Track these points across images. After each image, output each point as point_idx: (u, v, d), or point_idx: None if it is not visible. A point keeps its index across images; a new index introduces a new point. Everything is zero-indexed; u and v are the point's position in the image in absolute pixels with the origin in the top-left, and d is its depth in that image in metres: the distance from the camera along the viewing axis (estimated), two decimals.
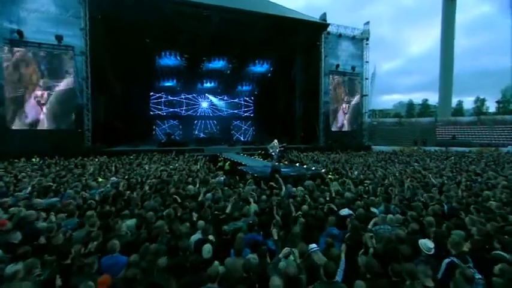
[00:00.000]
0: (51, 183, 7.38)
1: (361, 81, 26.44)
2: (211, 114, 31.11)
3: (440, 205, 5.34)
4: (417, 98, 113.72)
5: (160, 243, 3.95)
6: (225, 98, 31.61)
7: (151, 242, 3.91)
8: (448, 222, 4.29)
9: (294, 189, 7.79)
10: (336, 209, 5.46)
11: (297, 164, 14.03)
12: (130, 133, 23.04)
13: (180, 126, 29.93)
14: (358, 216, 5.10)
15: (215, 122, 31.05)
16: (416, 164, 13.08)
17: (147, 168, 11.22)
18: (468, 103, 67.67)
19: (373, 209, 5.67)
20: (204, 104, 30.94)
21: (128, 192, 6.90)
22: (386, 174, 9.90)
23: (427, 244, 3.44)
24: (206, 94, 30.66)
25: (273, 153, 12.10)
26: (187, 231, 4.49)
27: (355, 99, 26.57)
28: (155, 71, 25.26)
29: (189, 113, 30.31)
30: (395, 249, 3.46)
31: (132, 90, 24.40)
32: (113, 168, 11.31)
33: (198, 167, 11.65)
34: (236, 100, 32.08)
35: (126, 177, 9.44)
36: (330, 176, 10.12)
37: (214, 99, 31.13)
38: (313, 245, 3.60)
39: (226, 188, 7.73)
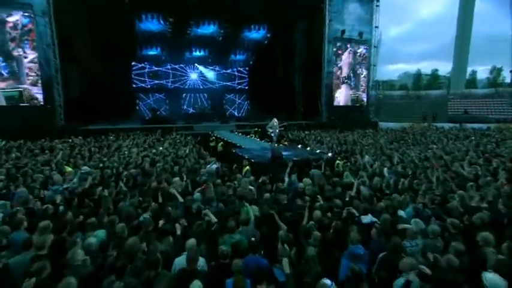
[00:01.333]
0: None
1: (370, 49, 25.07)
2: (201, 87, 29.97)
3: (491, 211, 4.53)
4: (425, 67, 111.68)
5: (132, 273, 3.13)
6: (217, 68, 30.34)
7: (118, 273, 3.08)
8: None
9: (301, 184, 6.99)
10: (356, 214, 4.68)
11: (299, 146, 13.25)
12: (109, 109, 21.77)
13: (167, 101, 28.73)
14: (383, 224, 4.30)
15: (206, 95, 29.99)
16: (434, 146, 12.36)
17: (126, 153, 10.26)
18: (482, 73, 66.13)
19: (400, 212, 4.91)
20: (193, 76, 29.68)
21: (100, 188, 6.01)
22: (405, 160, 9.13)
23: (497, 284, 2.62)
24: (195, 64, 29.27)
25: (273, 134, 11.25)
26: (169, 250, 3.70)
27: (362, 70, 25.41)
28: (136, 37, 23.50)
29: (176, 85, 29.07)
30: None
31: (110, 60, 22.77)
32: (86, 153, 10.34)
33: (187, 150, 10.74)
34: (229, 71, 30.82)
35: (100, 165, 8.53)
36: (338, 162, 9.34)
37: (205, 70, 29.87)
38: (327, 282, 2.76)
39: (219, 181, 6.87)
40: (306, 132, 18.42)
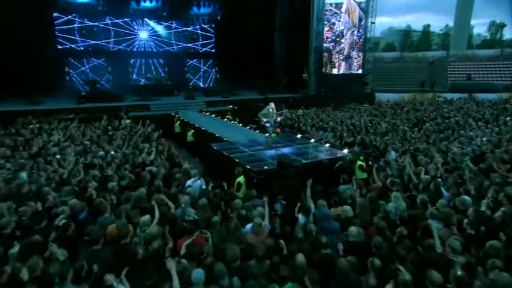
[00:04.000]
0: None
1: (367, 1, 23.83)
2: (154, 50, 27.53)
3: None
4: (413, 22, 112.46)
5: None
6: (174, 25, 27.81)
7: None
8: None
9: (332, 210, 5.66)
10: None
11: (299, 136, 11.89)
12: (27, 81, 18.58)
13: (109, 68, 25.75)
14: None
15: (161, 61, 27.68)
16: (462, 131, 11.57)
17: (55, 164, 7.96)
18: (478, 28, 66.66)
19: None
20: (143, 34, 26.94)
21: None
22: (451, 161, 8.04)
23: None
24: (145, 19, 26.47)
25: (268, 124, 9.82)
26: None
27: (358, 30, 24.29)
28: None
29: (120, 47, 26.17)
30: None
31: (20, 10, 19.10)
32: None
33: (152, 154, 8.74)
34: (190, 28, 28.42)
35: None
36: (360, 162, 8.09)
37: (158, 27, 27.28)
38: None
39: (216, 219, 5.15)
40: (298, 111, 17.04)
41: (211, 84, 29.05)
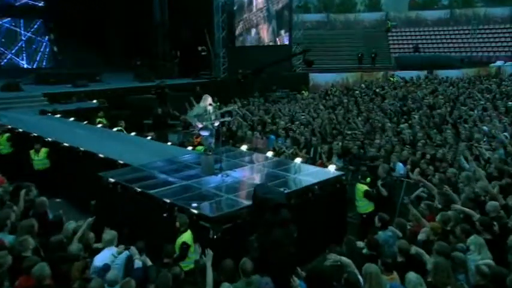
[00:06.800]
0: None
1: None
2: None
3: None
4: None
5: None
6: None
7: None
8: None
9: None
10: None
11: (244, 148, 11.42)
12: None
13: None
14: None
15: None
16: (477, 133, 11.92)
17: None
18: None
19: None
20: None
21: None
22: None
23: None
24: None
25: (206, 133, 9.09)
26: None
27: None
28: None
29: None
30: None
31: None
32: None
33: None
34: None
35: None
36: (363, 186, 8.45)
37: None
38: None
39: None
40: (227, 106, 16.46)
41: (44, 64, 27.41)
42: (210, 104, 9.22)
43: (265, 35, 26.32)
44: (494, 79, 23.84)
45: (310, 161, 10.92)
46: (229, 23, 23.36)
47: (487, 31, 34.91)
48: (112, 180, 8.69)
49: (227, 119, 11.48)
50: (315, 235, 7.67)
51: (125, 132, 14.46)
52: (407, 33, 37.08)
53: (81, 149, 11.04)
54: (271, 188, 7.37)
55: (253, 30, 25.35)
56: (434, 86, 21.51)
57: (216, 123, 9.18)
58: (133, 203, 8.19)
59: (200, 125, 9.01)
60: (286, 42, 27.79)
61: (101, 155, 10.43)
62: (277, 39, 27.27)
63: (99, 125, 15.01)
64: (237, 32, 24.51)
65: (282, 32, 27.55)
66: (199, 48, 23.45)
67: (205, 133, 9.18)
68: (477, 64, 30.44)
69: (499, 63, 29.88)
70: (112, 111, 17.54)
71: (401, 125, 13.11)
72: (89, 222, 6.66)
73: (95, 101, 18.56)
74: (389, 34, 37.53)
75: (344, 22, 40.87)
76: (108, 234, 6.44)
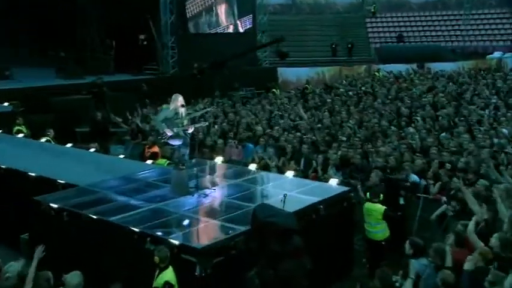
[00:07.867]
0: None
1: None
2: None
3: None
4: None
5: None
6: None
7: None
8: None
9: None
10: None
11: (218, 160, 10.93)
12: None
13: None
14: None
15: None
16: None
17: None
18: None
19: None
20: None
21: None
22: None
23: None
24: None
25: (178, 141, 8.39)
26: None
27: None
28: None
29: None
30: None
31: None
32: None
33: None
34: None
35: None
36: (376, 206, 8.01)
37: None
38: None
39: None
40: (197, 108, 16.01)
41: None
42: (182, 105, 8.26)
43: (223, 17, 25.00)
44: (499, 73, 23.39)
45: (302, 174, 10.32)
46: (178, 4, 21.67)
47: (482, 16, 33.78)
48: (55, 205, 7.69)
49: (203, 123, 10.21)
50: (320, 265, 6.70)
51: (53, 142, 13.33)
52: (389, 20, 35.83)
53: (2, 166, 10.07)
54: (275, 210, 6.76)
55: (210, 13, 24.08)
56: (431, 82, 20.90)
57: (190, 130, 8.46)
58: (87, 233, 7.21)
59: (170, 133, 8.09)
60: (249, 26, 26.50)
61: (32, 174, 9.42)
62: (239, 22, 25.97)
63: (20, 135, 13.60)
64: (188, 15, 22.78)
65: (244, 17, 26.28)
66: (141, 37, 22.02)
67: (176, 142, 8.36)
68: (472, 55, 29.67)
69: (497, 54, 29.09)
70: (31, 117, 15.62)
71: (406, 129, 12.79)
72: (39, 258, 5.40)
73: (6, 104, 16.32)
74: (368, 20, 36.07)
75: (313, 5, 38.42)
76: (74, 277, 5.45)
